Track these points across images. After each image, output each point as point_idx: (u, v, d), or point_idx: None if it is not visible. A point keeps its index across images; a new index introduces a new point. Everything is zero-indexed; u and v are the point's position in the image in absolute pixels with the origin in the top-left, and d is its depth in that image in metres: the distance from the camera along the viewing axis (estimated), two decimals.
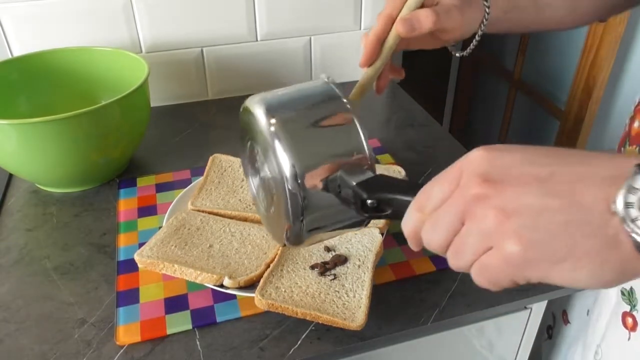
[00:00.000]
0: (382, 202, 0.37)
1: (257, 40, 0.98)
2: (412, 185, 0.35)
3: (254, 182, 0.49)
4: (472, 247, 0.29)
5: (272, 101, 0.42)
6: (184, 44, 0.94)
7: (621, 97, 1.35)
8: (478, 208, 0.28)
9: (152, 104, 0.80)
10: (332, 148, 0.41)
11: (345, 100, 0.43)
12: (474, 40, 0.54)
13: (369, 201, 0.37)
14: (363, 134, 0.41)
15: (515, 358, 0.70)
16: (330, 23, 1.00)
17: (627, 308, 0.52)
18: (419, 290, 0.58)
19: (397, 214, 0.36)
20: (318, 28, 1.00)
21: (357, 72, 1.10)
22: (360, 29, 1.03)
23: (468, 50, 0.55)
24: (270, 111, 0.41)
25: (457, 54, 0.57)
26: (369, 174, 0.40)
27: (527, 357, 0.70)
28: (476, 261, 0.30)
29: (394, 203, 0.36)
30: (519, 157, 0.29)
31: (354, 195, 0.38)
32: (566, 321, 0.70)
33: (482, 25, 0.52)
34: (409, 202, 0.33)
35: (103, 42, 0.89)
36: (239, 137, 0.49)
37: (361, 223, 0.44)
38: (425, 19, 0.47)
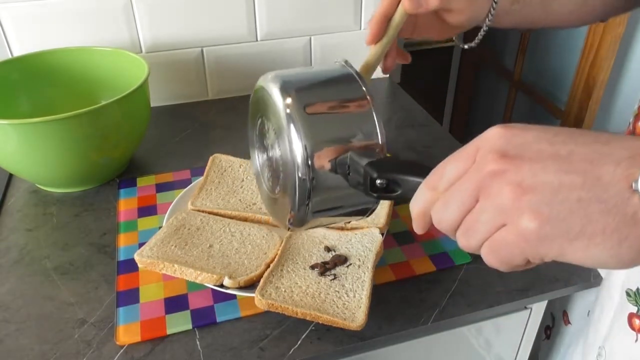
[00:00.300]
0: (392, 182, 0.36)
1: (257, 40, 0.98)
2: (424, 167, 0.34)
3: (260, 158, 0.48)
4: (485, 224, 0.29)
5: (289, 80, 0.42)
6: (184, 44, 0.94)
7: (621, 97, 1.35)
8: (494, 183, 0.28)
9: (152, 104, 0.80)
10: (345, 131, 0.41)
11: (363, 88, 0.42)
12: (481, 31, 0.53)
13: (378, 181, 0.36)
14: (378, 121, 0.41)
15: (515, 358, 0.70)
16: (330, 23, 1.00)
17: (634, 309, 0.52)
18: (419, 290, 0.58)
19: (407, 195, 0.35)
20: (318, 28, 1.00)
21: None
22: (360, 29, 1.03)
23: (475, 41, 0.55)
24: (287, 90, 0.41)
25: (465, 46, 0.57)
26: (380, 155, 0.39)
27: (527, 357, 0.70)
28: (489, 239, 0.29)
29: (404, 183, 0.36)
30: (537, 134, 0.28)
31: (364, 174, 0.38)
32: (567, 322, 0.70)
33: (489, 15, 0.51)
34: (419, 183, 0.33)
35: (103, 42, 0.89)
36: (248, 113, 0.49)
37: (365, 211, 0.43)
38: None
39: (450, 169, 0.30)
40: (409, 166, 0.37)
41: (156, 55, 0.94)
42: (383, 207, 0.64)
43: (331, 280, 0.55)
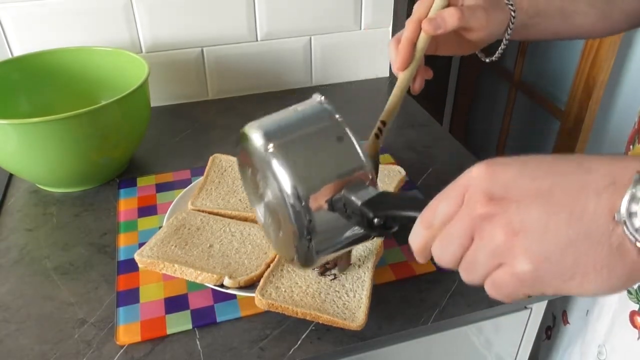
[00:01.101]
0: (389, 219, 0.37)
1: (257, 40, 0.98)
2: (417, 201, 0.35)
3: (260, 210, 0.49)
4: (483, 264, 0.30)
5: (269, 126, 0.43)
6: (184, 44, 0.94)
7: (621, 97, 1.35)
8: (485, 226, 0.29)
9: (152, 104, 0.80)
10: (331, 167, 0.41)
11: (339, 119, 0.43)
12: (502, 45, 0.54)
13: (375, 220, 0.37)
14: (360, 150, 0.42)
15: (515, 358, 0.70)
16: (330, 23, 1.00)
17: (636, 307, 0.52)
18: (419, 290, 0.58)
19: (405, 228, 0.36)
20: (318, 28, 1.00)
21: (357, 72, 1.10)
22: (360, 29, 1.03)
23: (497, 54, 0.56)
24: (268, 136, 0.41)
25: (487, 60, 0.58)
26: (372, 191, 0.40)
27: (527, 357, 0.70)
28: (489, 276, 0.30)
29: (400, 219, 0.37)
30: (519, 170, 0.29)
31: (360, 214, 0.39)
32: (566, 321, 0.70)
33: (508, 29, 0.52)
34: (415, 218, 0.34)
35: (103, 42, 0.89)
36: (239, 165, 0.50)
37: (368, 237, 0.44)
38: (450, 17, 0.48)
39: (442, 207, 0.31)
40: (403, 201, 0.38)
41: (156, 55, 0.94)
42: None
43: (331, 280, 0.55)
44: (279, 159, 0.40)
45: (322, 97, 0.45)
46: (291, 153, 0.41)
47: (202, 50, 0.96)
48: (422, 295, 0.58)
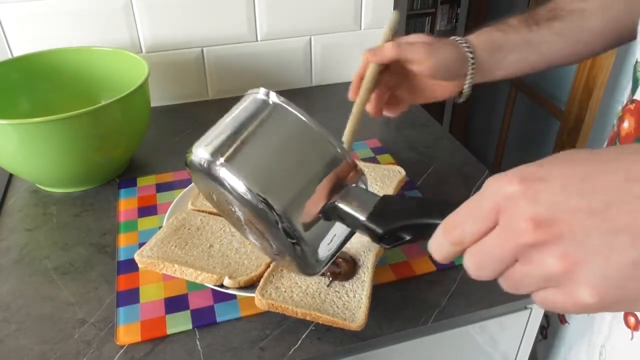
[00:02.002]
0: (401, 230, 0.34)
1: (257, 40, 0.98)
2: (427, 205, 0.33)
3: (248, 234, 0.47)
4: (531, 285, 0.27)
5: (213, 142, 0.39)
6: (184, 44, 0.94)
7: (621, 97, 1.35)
8: (534, 254, 0.26)
9: (152, 104, 0.80)
10: (310, 172, 0.37)
11: (291, 109, 0.39)
12: (466, 81, 0.56)
13: (386, 236, 0.34)
14: (333, 141, 0.38)
15: (515, 358, 0.70)
16: (330, 23, 1.00)
17: None
18: (419, 290, 0.58)
19: (417, 238, 0.33)
20: (318, 28, 1.00)
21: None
22: (360, 29, 1.03)
23: (464, 93, 0.58)
24: (216, 153, 0.37)
25: (459, 101, 0.60)
26: (370, 197, 0.36)
27: (527, 357, 0.70)
28: (538, 291, 0.28)
29: (412, 229, 0.34)
30: (560, 186, 0.26)
31: (367, 231, 0.35)
32: (563, 321, 0.70)
33: (469, 65, 0.55)
34: (428, 225, 0.31)
35: (103, 42, 0.89)
36: (205, 197, 0.47)
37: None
38: (388, 47, 0.53)
39: (471, 227, 0.28)
40: (411, 209, 0.34)
41: (156, 55, 0.94)
42: None
43: (331, 280, 0.55)
44: (232, 173, 0.36)
45: (267, 90, 0.41)
46: (244, 162, 0.37)
47: (202, 50, 0.96)
48: (422, 295, 0.58)
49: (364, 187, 0.40)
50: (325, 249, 0.40)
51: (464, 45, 0.55)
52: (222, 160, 0.37)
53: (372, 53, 0.53)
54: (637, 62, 0.52)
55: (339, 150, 0.38)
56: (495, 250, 0.27)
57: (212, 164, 0.38)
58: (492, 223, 0.27)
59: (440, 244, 0.30)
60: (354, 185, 0.39)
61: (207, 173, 0.38)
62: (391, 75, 0.56)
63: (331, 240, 0.40)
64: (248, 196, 0.36)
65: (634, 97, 0.52)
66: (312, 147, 0.38)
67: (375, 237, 0.35)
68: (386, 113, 0.60)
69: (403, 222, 0.34)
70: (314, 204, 0.37)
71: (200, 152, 0.39)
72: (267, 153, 0.38)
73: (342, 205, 0.37)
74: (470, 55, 0.55)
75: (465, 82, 0.56)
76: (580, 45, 0.59)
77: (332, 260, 0.42)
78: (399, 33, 0.57)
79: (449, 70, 0.54)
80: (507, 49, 0.56)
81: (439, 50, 0.54)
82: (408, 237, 0.34)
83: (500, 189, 0.27)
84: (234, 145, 0.38)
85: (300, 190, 0.37)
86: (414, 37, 0.55)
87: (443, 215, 0.30)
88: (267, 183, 0.36)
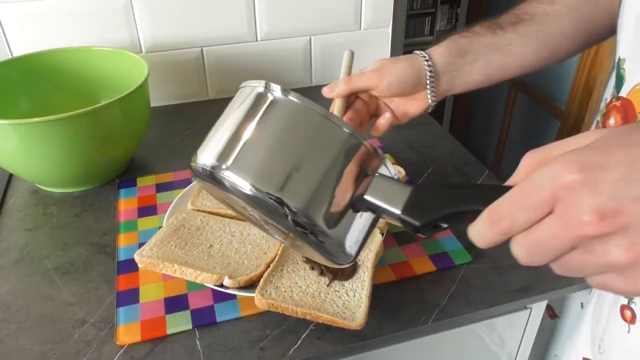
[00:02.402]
0: (440, 220, 0.33)
1: (257, 40, 0.98)
2: (461, 191, 0.32)
3: (275, 235, 0.47)
4: (590, 272, 0.27)
5: (215, 146, 0.38)
6: (184, 44, 0.94)
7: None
8: (597, 245, 0.25)
9: (152, 104, 0.80)
10: (327, 167, 0.35)
11: (295, 100, 0.37)
12: (428, 89, 0.57)
13: (423, 227, 0.33)
14: (342, 125, 0.36)
15: (515, 358, 0.70)
16: (330, 23, 1.00)
17: (625, 301, 0.53)
18: (419, 290, 0.58)
19: (456, 225, 0.33)
20: (318, 28, 1.00)
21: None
22: (360, 29, 1.03)
23: (430, 102, 0.59)
24: (220, 158, 0.36)
25: (427, 111, 0.61)
26: (400, 188, 0.35)
27: (527, 357, 0.70)
28: (594, 275, 0.28)
29: (450, 217, 0.32)
30: (622, 174, 0.25)
31: (404, 224, 0.34)
32: (553, 315, 0.70)
33: (427, 73, 0.56)
34: (467, 212, 0.31)
35: (103, 42, 0.89)
36: (220, 202, 0.46)
37: None
38: (340, 84, 0.55)
39: (521, 217, 0.27)
40: (448, 198, 0.33)
41: (156, 55, 0.94)
42: None
43: (331, 279, 0.55)
44: (239, 176, 0.35)
45: (264, 83, 0.40)
46: (251, 163, 0.36)
47: (202, 50, 0.96)
48: (422, 295, 0.58)
49: (390, 175, 0.38)
50: (353, 239, 0.38)
51: (422, 57, 0.56)
52: (227, 164, 0.36)
53: (328, 90, 0.56)
54: (619, 59, 0.52)
55: (354, 135, 0.36)
56: (552, 240, 0.26)
57: (216, 169, 0.36)
58: (546, 212, 0.26)
59: (485, 233, 0.29)
60: (377, 174, 0.37)
61: (214, 179, 0.37)
62: (364, 103, 0.58)
63: (358, 230, 0.38)
64: (260, 197, 0.35)
65: (620, 94, 0.52)
66: (325, 136, 0.36)
67: (412, 229, 0.34)
68: (373, 133, 0.61)
69: (441, 212, 0.32)
70: (339, 198, 0.36)
71: (203, 159, 0.38)
72: (275, 150, 0.36)
73: (372, 199, 0.36)
74: (428, 64, 0.56)
75: (428, 89, 0.57)
76: (551, 46, 0.60)
77: (362, 248, 0.40)
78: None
79: (404, 85, 0.56)
80: (473, 53, 0.58)
81: (389, 70, 0.56)
82: (445, 225, 0.33)
83: (557, 178, 0.26)
84: (238, 148, 0.36)
85: (317, 185, 0.35)
86: (370, 66, 0.57)
87: (485, 201, 0.29)
88: (279, 181, 0.35)
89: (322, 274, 0.56)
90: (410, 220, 0.33)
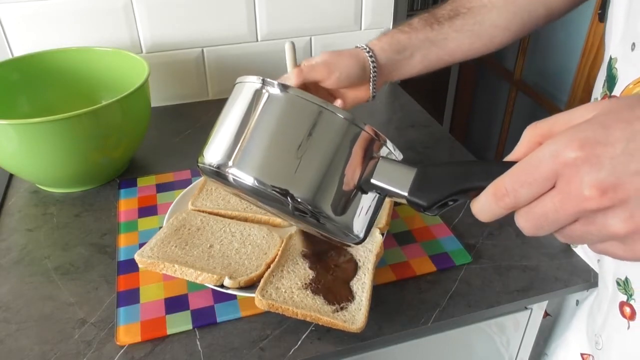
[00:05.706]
0: (447, 199, 0.34)
1: (257, 40, 0.98)
2: (466, 168, 0.32)
3: (290, 219, 0.48)
4: (591, 241, 0.29)
5: (219, 145, 0.39)
6: (184, 44, 0.94)
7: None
8: (598, 217, 0.27)
9: (153, 104, 0.80)
10: (323, 150, 0.37)
11: (292, 93, 0.38)
12: (370, 81, 0.62)
13: (432, 208, 0.34)
14: (341, 113, 0.37)
15: (516, 358, 0.70)
16: (330, 23, 1.00)
17: (624, 298, 0.53)
18: (420, 290, 0.58)
19: (463, 200, 0.34)
20: (318, 28, 1.00)
21: None
22: (360, 29, 1.03)
23: (372, 92, 0.63)
24: (226, 160, 0.38)
25: (370, 100, 0.65)
26: (405, 170, 0.36)
27: (528, 357, 0.70)
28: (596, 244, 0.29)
29: (457, 195, 0.33)
30: (622, 149, 0.25)
31: (411, 205, 0.35)
32: (545, 314, 0.70)
33: (371, 65, 0.61)
34: (473, 188, 0.31)
35: (103, 42, 0.89)
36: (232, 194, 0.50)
37: None
38: (293, 75, 0.58)
39: (525, 192, 0.28)
40: (454, 176, 0.34)
41: (156, 55, 0.94)
42: (383, 208, 0.64)
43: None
44: (244, 172, 0.36)
45: (259, 78, 0.41)
46: (255, 159, 0.37)
47: (202, 50, 0.96)
48: (423, 295, 0.58)
49: (394, 157, 0.39)
50: (361, 222, 0.39)
51: (366, 52, 0.61)
52: (232, 162, 0.38)
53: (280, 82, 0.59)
54: (611, 58, 0.52)
55: (354, 122, 0.37)
56: (555, 214, 0.27)
57: (222, 167, 0.38)
58: (548, 188, 0.27)
59: (488, 207, 0.30)
60: (382, 157, 0.38)
61: (223, 177, 0.39)
62: (316, 91, 0.61)
63: (365, 212, 0.39)
64: (266, 190, 0.36)
65: (612, 94, 0.52)
66: (325, 126, 0.37)
67: (420, 209, 0.35)
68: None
69: (447, 191, 0.33)
70: (346, 184, 0.37)
71: (209, 158, 0.39)
72: (277, 143, 0.37)
73: (379, 182, 0.37)
74: (371, 60, 0.61)
75: (370, 82, 0.62)
76: (484, 39, 0.63)
77: (371, 228, 0.41)
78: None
79: (351, 78, 0.61)
80: (411, 49, 0.62)
81: (339, 64, 0.60)
82: (452, 203, 0.34)
83: (560, 155, 0.27)
84: (241, 145, 0.38)
85: (323, 174, 0.36)
86: (317, 58, 0.60)
87: (489, 177, 0.30)
88: (283, 173, 0.36)
89: (312, 268, 0.56)
90: (418, 200, 0.34)
